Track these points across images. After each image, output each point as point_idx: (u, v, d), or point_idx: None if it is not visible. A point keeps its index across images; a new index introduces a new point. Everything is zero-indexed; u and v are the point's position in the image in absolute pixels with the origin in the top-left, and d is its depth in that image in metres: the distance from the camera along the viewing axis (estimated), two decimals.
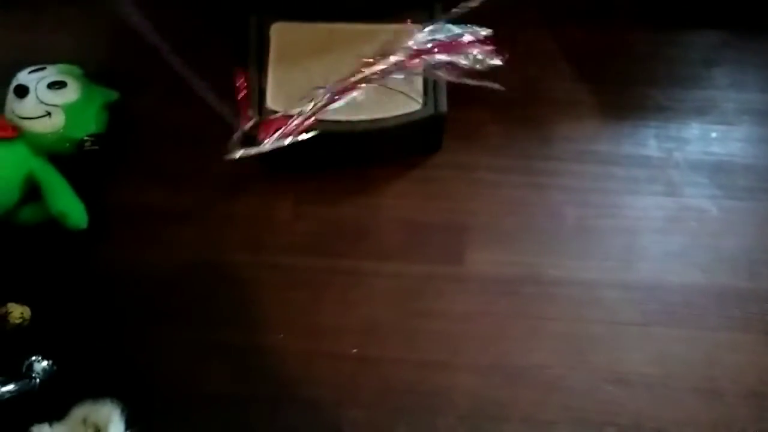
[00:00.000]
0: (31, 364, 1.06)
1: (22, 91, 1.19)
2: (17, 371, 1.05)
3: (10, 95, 1.20)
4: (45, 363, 1.06)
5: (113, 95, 1.28)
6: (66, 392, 1.05)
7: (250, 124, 1.04)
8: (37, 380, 1.05)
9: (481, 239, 1.17)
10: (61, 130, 1.20)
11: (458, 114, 1.18)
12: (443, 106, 1.13)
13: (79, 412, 0.93)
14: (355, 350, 1.09)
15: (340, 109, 1.13)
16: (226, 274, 1.17)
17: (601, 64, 1.33)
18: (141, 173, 1.27)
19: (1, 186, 1.17)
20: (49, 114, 1.19)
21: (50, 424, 0.91)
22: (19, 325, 1.11)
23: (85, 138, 1.22)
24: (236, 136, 1.02)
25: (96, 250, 1.20)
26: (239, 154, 1.00)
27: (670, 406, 1.02)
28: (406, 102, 1.14)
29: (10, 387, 1.03)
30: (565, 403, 1.03)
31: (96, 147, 1.24)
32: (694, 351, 1.06)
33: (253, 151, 1.01)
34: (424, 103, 1.14)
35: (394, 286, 1.13)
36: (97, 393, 1.02)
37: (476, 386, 1.05)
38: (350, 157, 1.23)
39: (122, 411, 0.93)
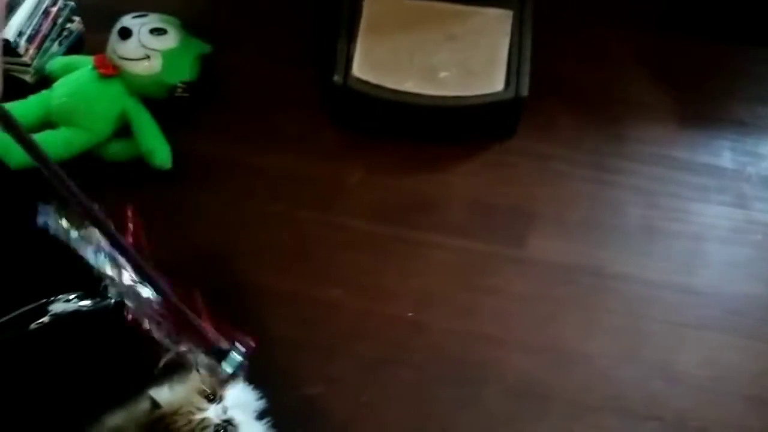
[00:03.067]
0: (107, 286, 1.18)
1: (125, 33, 1.32)
2: (95, 290, 1.17)
3: (114, 36, 1.33)
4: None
5: (207, 48, 1.40)
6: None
7: None
8: (112, 301, 1.17)
9: (545, 226, 1.24)
10: (158, 74, 1.32)
11: (533, 103, 1.26)
12: (524, 91, 1.21)
13: (197, 372, 0.94)
14: (410, 314, 1.17)
15: (422, 83, 1.23)
16: (294, 227, 1.26)
17: (684, 72, 1.39)
18: (222, 126, 1.39)
19: (97, 119, 1.30)
20: (148, 57, 1.31)
21: (170, 387, 0.93)
22: None
23: (178, 84, 1.34)
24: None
25: (171, 193, 1.31)
26: None
27: (717, 408, 1.07)
28: (488, 82, 1.22)
29: (87, 302, 1.15)
30: (612, 392, 1.09)
31: (186, 94, 1.36)
32: (746, 359, 1.11)
33: None
34: (506, 86, 1.22)
35: (454, 259, 1.21)
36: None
37: (525, 364, 1.12)
38: (426, 131, 1.32)
39: (240, 369, 0.95)
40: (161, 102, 1.34)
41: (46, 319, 1.13)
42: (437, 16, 1.29)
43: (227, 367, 0.93)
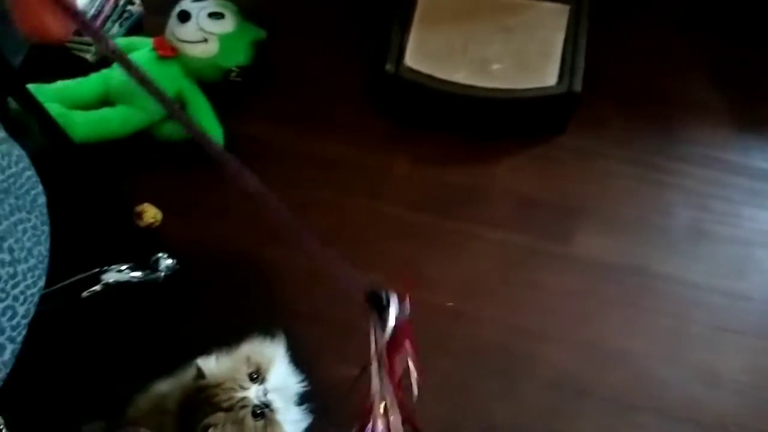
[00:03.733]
0: (157, 260, 1.23)
1: (184, 16, 1.37)
2: (145, 263, 1.22)
3: (173, 19, 1.38)
4: (170, 261, 1.23)
5: (262, 34, 1.44)
6: (188, 291, 1.22)
7: None
8: (162, 274, 1.22)
9: (591, 224, 1.24)
10: (214, 57, 1.36)
11: (585, 100, 1.26)
12: (578, 86, 1.22)
13: (245, 349, 0.95)
14: (450, 304, 1.18)
15: (474, 75, 1.24)
16: (339, 213, 1.29)
17: (740, 75, 1.38)
18: (272, 111, 1.42)
19: (153, 99, 1.35)
20: (205, 40, 1.36)
21: (217, 358, 0.94)
22: (150, 224, 1.29)
23: (233, 68, 1.38)
24: None
25: (220, 175, 1.35)
26: None
27: (758, 415, 1.06)
28: (541, 76, 1.23)
29: (138, 274, 1.20)
30: (652, 392, 1.09)
31: (240, 79, 1.40)
32: None
33: None
34: (559, 80, 1.23)
35: (498, 252, 1.23)
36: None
37: (565, 359, 1.12)
38: (474, 123, 1.33)
39: (286, 350, 0.97)
40: (215, 85, 1.39)
41: (98, 287, 1.19)
42: (492, 8, 1.30)
43: None
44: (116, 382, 1.05)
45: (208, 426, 0.86)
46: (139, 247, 1.25)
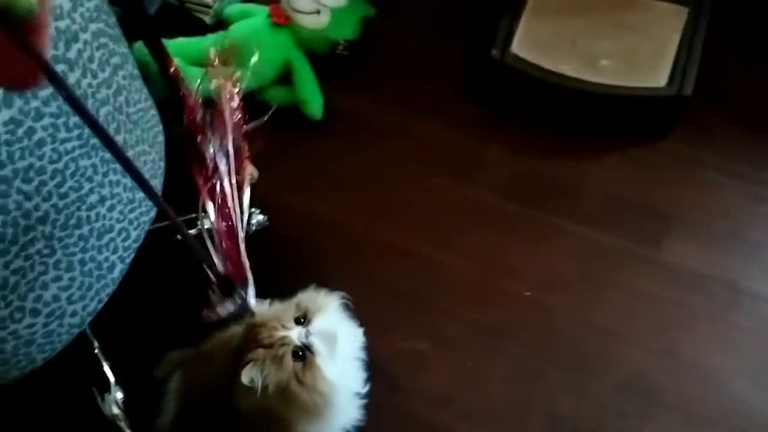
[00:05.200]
0: (250, 214, 1.31)
1: None
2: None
3: None
4: (261, 217, 1.31)
5: (371, 11, 1.51)
6: (272, 248, 1.29)
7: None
8: (252, 228, 1.30)
9: (685, 232, 1.23)
10: (324, 29, 1.44)
11: (693, 105, 1.25)
12: (688, 90, 1.21)
13: (298, 297, 0.96)
14: (528, 293, 1.20)
15: (581, 68, 1.26)
16: (427, 192, 1.34)
17: None
18: (372, 88, 1.48)
19: (264, 64, 1.44)
20: (318, 12, 1.44)
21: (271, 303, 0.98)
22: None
23: (341, 42, 1.46)
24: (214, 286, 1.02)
25: (315, 142, 1.43)
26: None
27: None
28: (651, 76, 1.23)
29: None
30: (728, 409, 1.07)
31: (346, 53, 1.48)
32: None
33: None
34: (669, 82, 1.22)
35: (583, 248, 1.23)
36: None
37: (641, 364, 1.12)
38: (574, 117, 1.34)
39: (341, 302, 0.97)
40: (322, 58, 1.47)
41: (193, 231, 1.28)
42: (607, 4, 1.31)
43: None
44: (198, 321, 1.13)
45: (249, 361, 0.87)
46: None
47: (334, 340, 0.90)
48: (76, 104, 0.61)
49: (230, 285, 1.01)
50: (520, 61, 1.28)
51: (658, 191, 1.27)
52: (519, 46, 1.30)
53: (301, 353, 0.87)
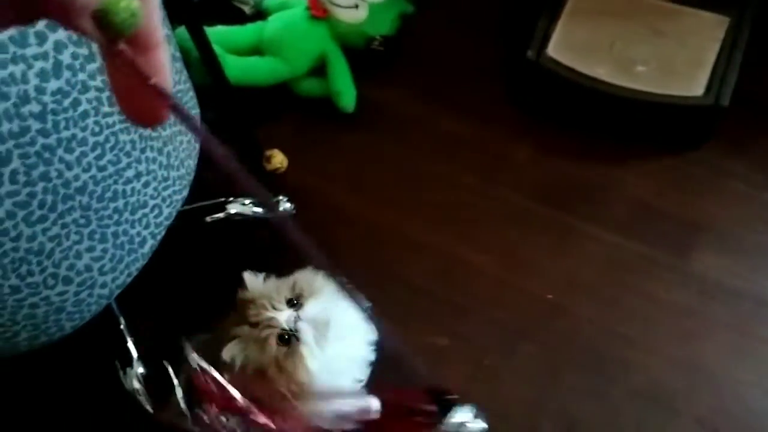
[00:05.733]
0: (278, 202, 1.34)
1: None
2: (265, 204, 1.34)
3: None
4: (289, 205, 1.34)
5: (410, 8, 1.53)
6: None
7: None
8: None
9: (714, 244, 1.22)
10: (361, 24, 1.46)
11: (729, 117, 1.24)
12: (725, 100, 1.20)
13: (295, 276, 0.93)
14: (550, 296, 1.21)
15: (616, 73, 1.26)
16: (454, 190, 1.35)
17: None
18: (404, 84, 1.50)
19: (299, 55, 1.47)
20: (356, 6, 1.46)
21: (264, 278, 0.94)
22: (276, 169, 1.40)
23: (377, 37, 1.48)
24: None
25: (346, 135, 1.45)
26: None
27: None
28: (687, 85, 1.23)
29: (258, 210, 1.32)
30: (749, 423, 1.06)
31: (381, 48, 1.49)
32: None
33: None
34: (706, 91, 1.21)
35: (609, 254, 1.23)
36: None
37: (661, 372, 1.11)
38: (608, 122, 1.34)
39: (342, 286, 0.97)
40: (356, 52, 1.49)
41: (221, 215, 1.31)
42: (647, 10, 1.31)
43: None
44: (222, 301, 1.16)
45: (234, 337, 0.85)
46: (263, 187, 1.37)
47: (325, 329, 0.86)
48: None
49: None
50: (556, 64, 1.29)
51: (688, 201, 1.27)
52: (555, 49, 1.30)
53: (287, 337, 0.84)
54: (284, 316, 0.84)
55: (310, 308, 0.86)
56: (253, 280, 0.92)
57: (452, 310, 1.23)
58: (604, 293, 1.20)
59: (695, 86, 1.22)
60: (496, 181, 1.35)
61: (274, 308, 0.85)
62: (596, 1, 1.34)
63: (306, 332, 0.84)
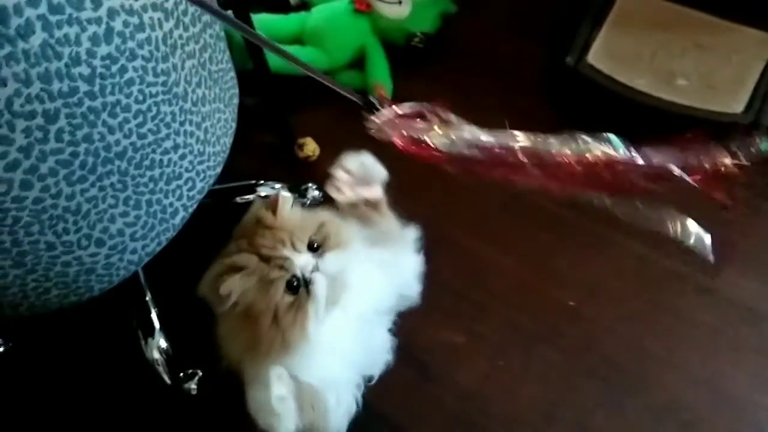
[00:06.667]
0: (307, 188, 1.36)
1: None
2: (296, 189, 1.36)
3: None
4: (317, 192, 1.36)
5: (451, 7, 1.54)
6: None
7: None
8: (307, 201, 1.35)
9: (745, 265, 1.20)
10: (403, 20, 1.48)
11: None
12: (766, 120, 1.19)
13: (324, 215, 0.81)
14: (572, 303, 1.21)
15: (656, 85, 1.25)
16: (485, 191, 1.35)
17: None
18: (442, 83, 1.51)
19: (340, 47, 1.49)
20: (399, 2, 1.48)
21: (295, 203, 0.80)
22: (308, 157, 1.43)
23: (417, 34, 1.49)
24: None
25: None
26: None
27: None
28: (727, 101, 1.22)
29: (287, 194, 1.34)
30: None
31: (421, 45, 1.51)
32: None
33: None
34: (746, 109, 1.20)
35: (638, 266, 1.23)
36: None
37: (680, 390, 1.10)
38: (643, 133, 1.33)
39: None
40: (396, 47, 1.51)
41: (251, 196, 1.34)
42: (692, 23, 1.30)
43: None
44: None
45: (236, 266, 0.72)
46: (294, 174, 1.40)
47: (341, 289, 0.74)
48: None
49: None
50: (595, 71, 1.29)
51: (723, 220, 1.25)
52: (595, 56, 1.31)
53: (296, 284, 0.71)
54: (302, 261, 0.71)
55: (332, 261, 0.73)
56: (285, 203, 0.77)
57: (472, 308, 1.23)
58: (629, 305, 1.20)
59: (735, 103, 1.21)
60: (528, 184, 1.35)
61: (294, 247, 0.72)
62: (641, 11, 1.33)
63: (320, 286, 0.71)
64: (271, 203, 0.77)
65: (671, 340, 1.15)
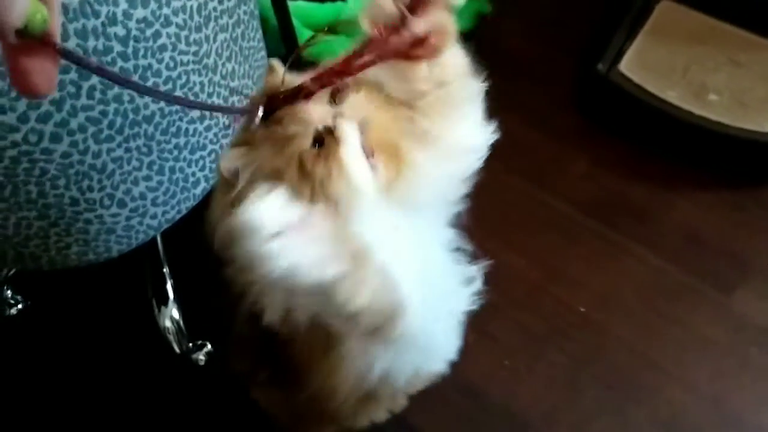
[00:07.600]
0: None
1: None
2: None
3: None
4: None
5: (486, 7, 1.55)
6: None
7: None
8: None
9: (760, 284, 1.19)
10: None
11: None
12: None
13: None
14: (583, 309, 1.21)
15: (687, 98, 1.25)
16: (502, 190, 1.36)
17: None
18: None
19: None
20: None
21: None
22: None
23: None
24: None
25: None
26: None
27: None
28: (759, 120, 1.21)
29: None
30: None
31: None
32: None
33: None
34: None
35: (651, 278, 1.22)
36: None
37: (685, 405, 1.10)
38: (671, 146, 1.33)
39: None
40: None
41: None
42: (728, 39, 1.29)
43: None
44: None
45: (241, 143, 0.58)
46: None
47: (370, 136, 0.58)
48: None
49: None
50: (626, 80, 1.29)
51: (741, 238, 1.24)
52: (627, 65, 1.31)
53: (322, 138, 0.56)
54: (318, 110, 0.58)
55: (354, 104, 0.59)
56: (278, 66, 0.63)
57: (482, 309, 1.24)
58: (640, 316, 1.19)
59: (766, 122, 1.20)
60: (547, 188, 1.35)
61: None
62: (678, 23, 1.33)
63: (347, 128, 0.57)
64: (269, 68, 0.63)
65: (680, 355, 1.15)
